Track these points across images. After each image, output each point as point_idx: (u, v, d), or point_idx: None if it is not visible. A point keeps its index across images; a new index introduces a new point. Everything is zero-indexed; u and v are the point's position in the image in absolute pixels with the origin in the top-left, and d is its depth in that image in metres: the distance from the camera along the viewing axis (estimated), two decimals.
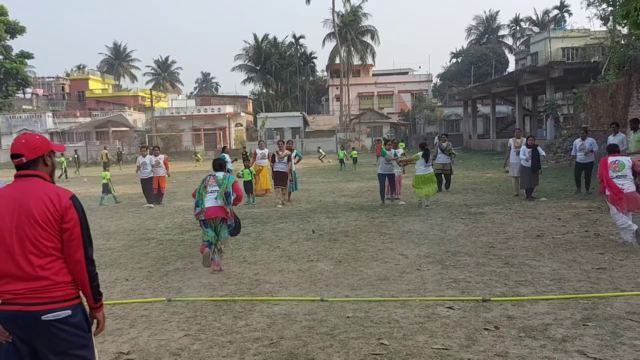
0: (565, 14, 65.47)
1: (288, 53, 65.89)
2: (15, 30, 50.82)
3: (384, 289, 5.86)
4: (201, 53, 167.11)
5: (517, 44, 69.18)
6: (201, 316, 5.17)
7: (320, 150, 37.78)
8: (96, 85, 66.82)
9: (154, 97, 54.50)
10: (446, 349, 4.15)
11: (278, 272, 6.77)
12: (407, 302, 5.35)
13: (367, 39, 58.98)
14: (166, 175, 15.32)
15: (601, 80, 21.14)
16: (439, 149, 15.07)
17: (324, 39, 59.32)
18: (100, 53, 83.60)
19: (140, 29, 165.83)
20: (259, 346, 4.37)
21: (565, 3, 65.06)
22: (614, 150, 8.07)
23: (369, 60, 59.86)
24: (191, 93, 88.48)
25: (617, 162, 7.65)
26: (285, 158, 13.51)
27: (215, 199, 6.98)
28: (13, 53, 52.19)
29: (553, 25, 59.88)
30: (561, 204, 11.71)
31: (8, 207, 2.61)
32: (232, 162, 17.37)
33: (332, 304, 5.35)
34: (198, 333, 4.73)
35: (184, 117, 51.63)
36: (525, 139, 12.86)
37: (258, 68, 63.92)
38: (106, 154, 32.32)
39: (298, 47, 66.53)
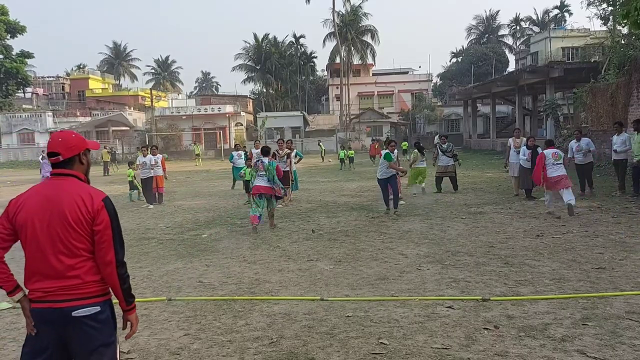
0: (566, 14, 65.51)
1: (288, 52, 65.92)
2: (15, 29, 50.83)
3: (384, 288, 5.86)
4: (201, 52, 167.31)
5: (517, 44, 69.16)
6: (201, 315, 5.18)
7: (321, 144, 37.73)
8: (96, 85, 66.82)
9: (154, 97, 54.51)
10: (446, 348, 4.16)
11: (278, 272, 6.78)
12: (407, 301, 5.35)
13: (367, 38, 58.98)
14: (163, 176, 15.13)
15: (601, 80, 21.13)
16: (439, 151, 14.82)
17: (324, 39, 59.37)
18: (101, 52, 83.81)
19: (140, 29, 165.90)
20: (259, 345, 4.38)
21: (565, 3, 65.07)
22: (551, 143, 10.92)
23: (369, 60, 59.85)
24: (191, 92, 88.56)
25: (556, 153, 10.21)
26: (285, 157, 13.35)
27: (266, 180, 9.63)
28: (13, 52, 52.21)
29: (553, 25, 59.83)
30: (561, 204, 11.69)
31: (42, 206, 2.61)
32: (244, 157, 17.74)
33: (332, 304, 5.36)
34: (198, 332, 4.74)
35: (184, 117, 51.63)
36: (525, 139, 12.85)
37: (258, 67, 63.93)
38: (106, 152, 32.31)
39: (298, 46, 66.57)
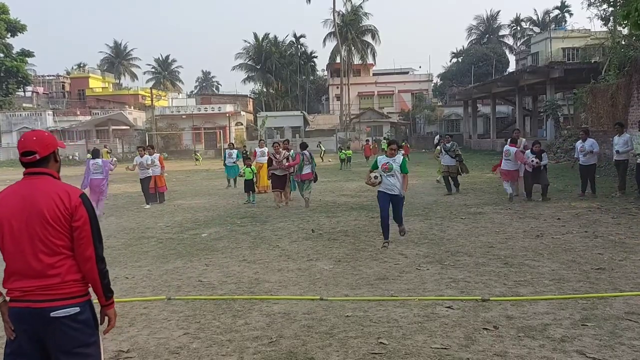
0: (566, 14, 65.47)
1: (288, 52, 65.94)
2: (16, 28, 50.83)
3: (383, 288, 5.86)
4: (202, 52, 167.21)
5: (518, 44, 69.17)
6: (200, 315, 5.18)
7: (321, 146, 37.75)
8: (96, 84, 66.81)
9: (154, 96, 54.47)
10: (445, 348, 4.16)
11: (277, 271, 6.78)
12: (407, 301, 5.35)
13: (368, 38, 59.01)
14: (162, 174, 15.05)
15: (601, 81, 21.12)
16: (443, 150, 14.68)
17: (325, 38, 59.42)
18: (101, 51, 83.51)
19: (140, 28, 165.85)
20: (258, 345, 4.37)
21: (565, 3, 65.04)
22: (513, 141, 12.76)
23: (370, 60, 59.87)
24: (191, 92, 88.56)
25: (507, 151, 12.57)
26: (284, 160, 12.97)
27: (310, 169, 13.06)
28: (14, 51, 52.20)
29: (554, 26, 59.81)
30: (561, 204, 11.71)
31: (19, 206, 2.60)
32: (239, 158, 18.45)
33: (331, 303, 5.36)
34: (197, 332, 4.74)
35: (184, 116, 51.63)
36: (529, 144, 12.83)
37: (258, 67, 63.93)
38: (106, 152, 32.30)
39: (298, 46, 66.62)
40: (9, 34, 50.94)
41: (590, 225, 9.19)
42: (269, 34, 65.28)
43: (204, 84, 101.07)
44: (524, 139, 13.14)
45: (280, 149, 13.21)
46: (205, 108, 52.98)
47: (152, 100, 52.30)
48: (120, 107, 54.29)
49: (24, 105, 55.55)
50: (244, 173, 14.75)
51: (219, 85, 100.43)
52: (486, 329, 4.53)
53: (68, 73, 71.15)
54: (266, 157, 16.02)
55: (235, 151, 19.39)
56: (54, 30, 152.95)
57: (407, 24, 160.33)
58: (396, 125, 54.82)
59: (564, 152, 24.36)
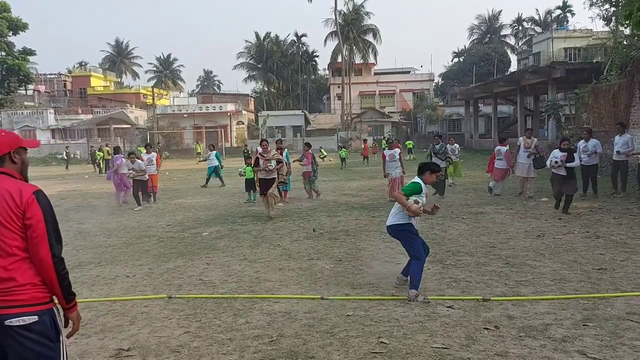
0: (568, 14, 65.33)
1: (290, 51, 65.96)
2: (17, 27, 50.86)
3: (384, 287, 5.86)
4: (203, 51, 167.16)
5: (520, 44, 69.09)
6: (201, 313, 5.18)
7: (322, 150, 37.82)
8: (98, 82, 66.90)
9: (155, 95, 54.55)
10: (446, 348, 4.15)
11: (278, 271, 6.78)
12: (407, 301, 5.34)
13: (369, 37, 58.95)
14: (157, 173, 14.79)
15: (603, 81, 21.07)
16: (432, 152, 14.09)
17: (326, 38, 59.30)
18: (102, 50, 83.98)
19: (142, 26, 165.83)
20: (259, 344, 4.37)
21: (567, 3, 64.93)
22: (502, 141, 13.68)
23: (371, 59, 59.83)
24: (193, 91, 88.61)
25: (498, 150, 13.33)
26: (273, 162, 11.24)
27: (310, 167, 14.51)
28: (15, 50, 52.25)
29: (555, 26, 59.76)
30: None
31: None
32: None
33: (332, 303, 5.36)
34: (198, 330, 4.74)
35: (185, 115, 51.67)
36: (535, 141, 12.62)
37: (260, 66, 63.98)
38: (107, 151, 32.26)
39: (300, 45, 66.61)
40: (11, 32, 50.96)
41: (591, 225, 9.18)
42: (270, 33, 65.45)
43: (206, 83, 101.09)
44: (535, 139, 12.97)
45: (269, 147, 11.75)
46: (207, 107, 53.01)
47: (153, 99, 52.40)
48: (122, 106, 54.36)
49: (26, 103, 55.62)
50: (244, 172, 14.73)
51: (221, 84, 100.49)
52: (487, 328, 4.53)
53: (70, 71, 71.26)
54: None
55: (214, 152, 19.63)
56: (55, 29, 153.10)
57: (408, 24, 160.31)
58: (397, 124, 54.79)
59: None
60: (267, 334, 4.57)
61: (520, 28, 70.45)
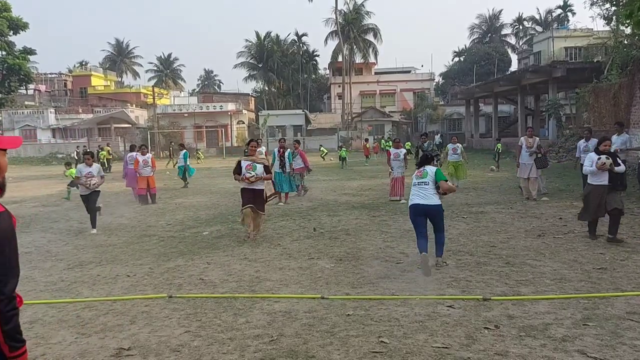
0: (569, 14, 65.31)
1: (290, 51, 65.93)
2: (18, 26, 50.90)
3: (385, 287, 5.86)
4: (204, 50, 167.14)
5: (520, 43, 69.04)
6: (202, 313, 5.18)
7: (322, 149, 37.78)
8: (98, 82, 66.91)
9: (156, 94, 54.53)
10: (446, 347, 4.16)
11: (279, 270, 6.78)
12: (408, 300, 5.35)
13: (370, 37, 58.94)
14: (153, 175, 14.48)
15: (604, 80, 21.07)
16: (420, 150, 13.75)
17: (327, 37, 59.30)
18: (103, 50, 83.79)
19: (143, 26, 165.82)
20: (259, 343, 4.38)
21: (568, 2, 64.88)
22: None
23: (371, 59, 59.81)
24: (193, 90, 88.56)
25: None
26: (260, 168, 8.62)
27: (298, 164, 14.02)
28: (16, 49, 52.28)
29: (556, 25, 59.71)
30: (563, 204, 11.70)
31: None
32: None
33: (332, 302, 5.36)
34: (198, 330, 4.74)
35: (186, 114, 51.65)
36: (537, 140, 12.45)
37: (260, 66, 63.94)
38: (108, 151, 32.34)
39: (300, 44, 66.58)
40: (11, 31, 51.01)
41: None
42: (270, 32, 65.34)
43: (206, 82, 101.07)
44: (537, 138, 12.78)
45: (258, 149, 10.67)
46: (207, 106, 52.99)
47: (154, 99, 52.37)
48: (122, 106, 54.34)
49: (26, 103, 55.64)
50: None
51: (221, 84, 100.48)
52: (487, 328, 4.53)
53: (70, 71, 71.30)
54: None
55: (183, 152, 19.27)
56: (56, 29, 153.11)
57: (408, 23, 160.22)
58: (398, 124, 54.78)
59: (566, 152, 24.33)
60: (267, 334, 4.58)
61: (520, 27, 70.39)
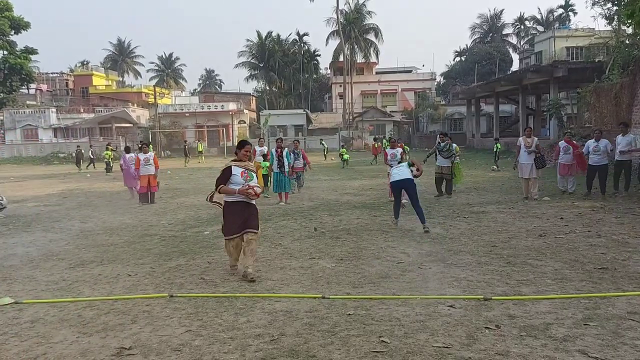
0: (570, 13, 65.31)
1: (292, 50, 65.93)
2: (19, 25, 50.99)
3: (386, 287, 5.86)
4: (205, 50, 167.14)
5: (521, 43, 69.01)
6: (203, 312, 5.19)
7: (323, 143, 37.69)
8: (100, 82, 67.00)
9: (157, 94, 54.56)
10: (447, 347, 4.15)
11: (280, 269, 6.78)
12: (409, 300, 5.35)
13: (371, 37, 58.97)
14: (155, 174, 14.47)
15: (605, 80, 21.05)
16: (436, 150, 13.88)
17: (328, 37, 59.36)
18: (105, 49, 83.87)
19: (144, 26, 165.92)
20: (260, 343, 4.38)
21: (569, 2, 64.83)
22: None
23: (373, 58, 59.81)
24: (195, 90, 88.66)
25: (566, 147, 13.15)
26: (256, 179, 6.77)
27: (299, 163, 15.14)
28: (17, 48, 52.35)
29: (557, 25, 59.70)
30: (564, 204, 11.69)
31: None
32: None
33: (333, 302, 5.36)
34: (199, 329, 4.74)
35: (187, 114, 51.71)
36: (535, 140, 12.37)
37: (261, 65, 63.95)
38: (111, 150, 32.34)
39: (302, 44, 66.58)
40: (13, 31, 51.10)
41: (593, 224, 9.17)
42: (272, 32, 65.39)
43: (207, 82, 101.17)
44: (535, 138, 12.75)
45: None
46: (209, 106, 53.04)
47: (155, 98, 52.38)
48: (124, 105, 54.42)
49: (28, 102, 55.72)
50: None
51: (222, 83, 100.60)
52: (488, 328, 4.53)
53: (71, 71, 71.35)
54: (262, 158, 15.86)
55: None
56: (57, 28, 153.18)
57: (410, 23, 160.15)
58: (399, 124, 54.77)
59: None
60: (268, 333, 4.58)
61: (522, 27, 70.37)
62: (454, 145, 14.19)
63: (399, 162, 11.08)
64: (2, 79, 51.47)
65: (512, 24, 71.63)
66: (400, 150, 13.37)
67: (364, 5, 57.83)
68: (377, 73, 63.34)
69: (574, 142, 13.58)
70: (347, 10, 57.38)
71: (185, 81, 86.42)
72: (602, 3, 23.16)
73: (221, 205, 6.72)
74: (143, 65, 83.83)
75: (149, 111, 55.11)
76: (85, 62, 73.04)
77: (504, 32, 72.36)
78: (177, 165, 33.87)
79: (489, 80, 41.76)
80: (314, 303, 5.34)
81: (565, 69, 28.06)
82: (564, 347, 4.09)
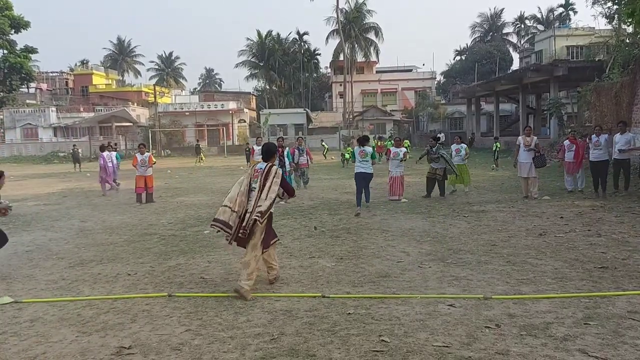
0: (570, 12, 65.25)
1: (292, 49, 65.89)
2: (19, 24, 51.01)
3: (385, 286, 5.86)
4: (205, 49, 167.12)
5: (522, 42, 69.01)
6: (202, 311, 5.18)
7: (324, 144, 37.72)
8: (100, 81, 66.97)
9: (157, 93, 54.55)
10: (447, 346, 4.15)
11: (280, 268, 6.77)
12: (409, 299, 5.34)
13: (371, 35, 58.95)
14: (152, 175, 14.56)
15: (605, 79, 21.05)
16: (428, 153, 13.65)
17: (328, 36, 59.34)
18: (104, 48, 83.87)
19: (144, 25, 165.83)
20: (260, 342, 4.37)
21: (570, 1, 64.78)
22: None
23: (373, 57, 59.78)
24: (195, 89, 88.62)
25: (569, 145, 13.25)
26: (268, 198, 5.83)
27: (305, 159, 16.05)
28: (17, 47, 52.35)
29: (558, 24, 59.63)
30: (564, 203, 11.68)
31: None
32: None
33: (333, 301, 5.35)
34: (199, 328, 4.74)
35: (187, 113, 51.69)
36: (535, 139, 12.34)
37: (262, 64, 63.92)
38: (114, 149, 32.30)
39: (302, 43, 66.54)
40: (13, 30, 51.10)
41: (593, 223, 9.16)
42: (272, 31, 65.33)
43: (207, 81, 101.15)
44: (535, 137, 12.73)
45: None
46: (209, 105, 53.04)
47: (155, 97, 52.39)
48: (124, 104, 54.40)
49: (28, 101, 55.75)
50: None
51: (222, 83, 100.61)
52: (488, 327, 4.52)
53: (71, 70, 71.33)
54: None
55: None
56: (57, 27, 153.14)
57: (410, 22, 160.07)
58: (399, 123, 54.75)
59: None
60: (268, 332, 4.57)
61: (522, 26, 70.36)
62: (464, 145, 14.16)
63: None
64: (2, 78, 51.48)
65: (513, 23, 71.69)
66: (404, 150, 13.37)
67: (364, 4, 57.82)
68: (377, 72, 63.31)
69: (578, 140, 13.56)
70: (347, 9, 57.37)
71: (185, 80, 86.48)
72: (603, 2, 23.16)
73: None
74: (143, 65, 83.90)
75: (149, 110, 55.10)
76: (85, 61, 73.02)
77: (504, 31, 72.38)
78: (187, 165, 33.86)
79: (489, 80, 41.76)
80: (313, 302, 5.34)
81: (566, 68, 28.07)
82: (564, 346, 4.09)
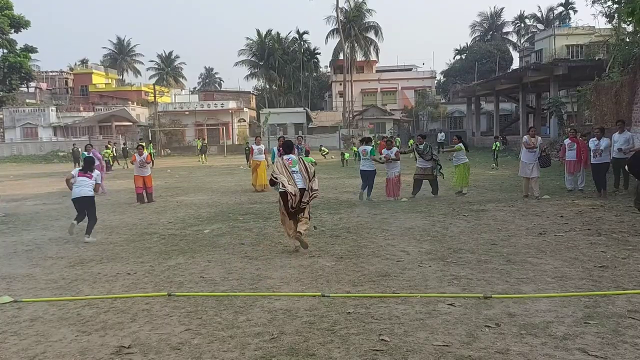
0: (570, 11, 65.27)
1: (291, 49, 65.88)
2: (19, 24, 50.97)
3: (385, 285, 5.86)
4: (205, 48, 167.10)
5: (522, 41, 69.01)
6: (202, 311, 5.18)
7: (323, 148, 37.78)
8: (99, 80, 66.90)
9: (157, 92, 54.52)
10: (447, 345, 4.15)
11: (279, 268, 6.78)
12: (408, 298, 5.34)
13: (371, 35, 58.94)
14: (151, 175, 14.54)
15: (605, 78, 21.00)
16: (416, 153, 13.60)
17: (328, 35, 59.33)
18: (104, 47, 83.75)
19: (144, 24, 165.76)
20: (260, 341, 4.37)
21: (570, 0, 64.77)
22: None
23: (373, 57, 59.78)
24: (194, 88, 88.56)
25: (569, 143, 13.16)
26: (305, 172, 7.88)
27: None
28: (17, 47, 52.31)
29: (557, 23, 59.62)
30: (564, 202, 11.68)
31: None
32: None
33: (333, 300, 5.35)
34: (199, 327, 4.74)
35: (187, 112, 51.66)
36: (539, 140, 12.29)
37: (261, 63, 63.90)
38: (114, 150, 32.38)
39: (302, 42, 66.53)
40: (13, 29, 51.06)
41: (593, 222, 9.16)
42: (271, 30, 65.30)
43: (207, 81, 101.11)
44: (539, 138, 12.70)
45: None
46: (208, 104, 53.00)
47: (155, 97, 52.35)
48: (123, 103, 54.38)
49: (27, 101, 55.73)
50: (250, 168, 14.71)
51: (222, 82, 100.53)
52: (488, 326, 4.52)
53: (71, 69, 71.21)
54: (263, 156, 16.05)
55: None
56: (57, 27, 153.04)
57: (410, 21, 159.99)
58: (399, 122, 54.74)
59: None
60: (267, 332, 4.57)
61: (522, 25, 70.37)
62: (461, 145, 14.08)
63: (365, 151, 13.36)
64: (1, 78, 51.43)
65: (512, 22, 71.70)
66: (395, 149, 13.31)
67: (364, 3, 57.81)
68: (377, 71, 63.29)
69: (579, 138, 13.56)
70: (347, 8, 57.34)
71: (185, 80, 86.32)
72: (602, 1, 23.07)
73: None
74: (143, 64, 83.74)
75: (148, 109, 55.07)
76: (84, 61, 72.92)
77: (504, 30, 72.40)
78: (187, 165, 33.85)
79: (489, 79, 41.71)
80: (313, 301, 5.34)
81: (566, 67, 28.03)
82: (564, 345, 4.08)
